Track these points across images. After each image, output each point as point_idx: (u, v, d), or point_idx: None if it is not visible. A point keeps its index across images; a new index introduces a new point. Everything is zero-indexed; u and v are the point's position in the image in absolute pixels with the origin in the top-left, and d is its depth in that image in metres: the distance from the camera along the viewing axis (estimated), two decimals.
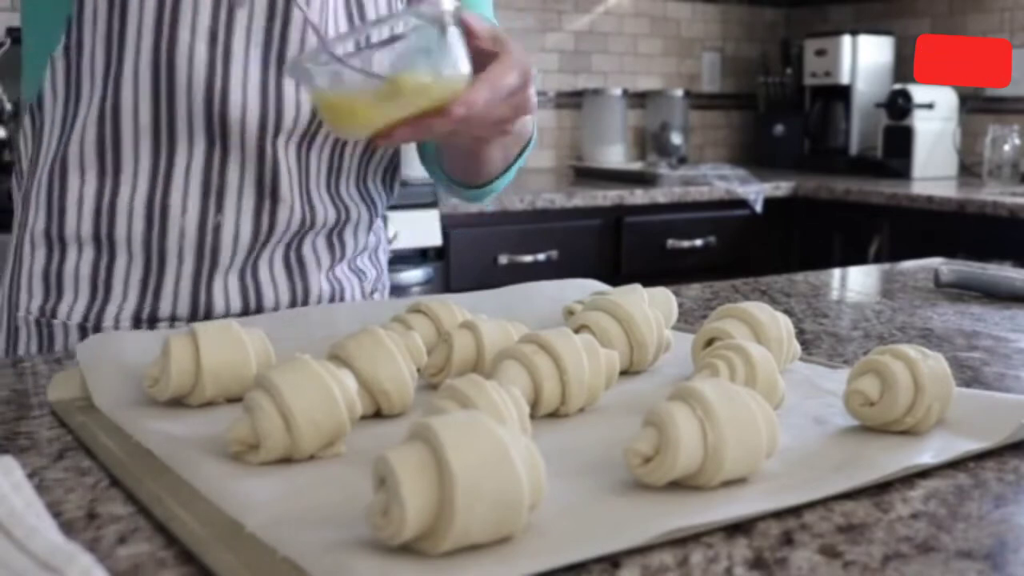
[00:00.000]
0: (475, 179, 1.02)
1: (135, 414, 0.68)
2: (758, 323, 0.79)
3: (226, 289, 0.95)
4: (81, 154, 0.91)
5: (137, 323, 0.94)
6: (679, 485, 0.56)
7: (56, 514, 0.53)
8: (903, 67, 3.37)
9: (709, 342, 0.79)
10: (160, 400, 0.70)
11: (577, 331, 0.79)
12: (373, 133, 0.78)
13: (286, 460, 0.60)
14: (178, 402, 0.71)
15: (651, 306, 0.83)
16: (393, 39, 0.80)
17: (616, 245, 2.68)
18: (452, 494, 0.46)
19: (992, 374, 0.84)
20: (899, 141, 3.15)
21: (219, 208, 0.92)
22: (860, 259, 2.65)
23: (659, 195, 2.73)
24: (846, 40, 3.30)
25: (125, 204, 0.91)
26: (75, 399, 0.73)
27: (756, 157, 3.65)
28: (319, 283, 1.00)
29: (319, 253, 0.99)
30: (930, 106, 3.11)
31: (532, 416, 0.65)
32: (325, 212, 0.97)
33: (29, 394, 0.76)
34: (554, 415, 0.70)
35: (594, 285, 1.02)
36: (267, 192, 0.93)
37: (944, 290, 1.20)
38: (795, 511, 0.54)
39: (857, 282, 1.36)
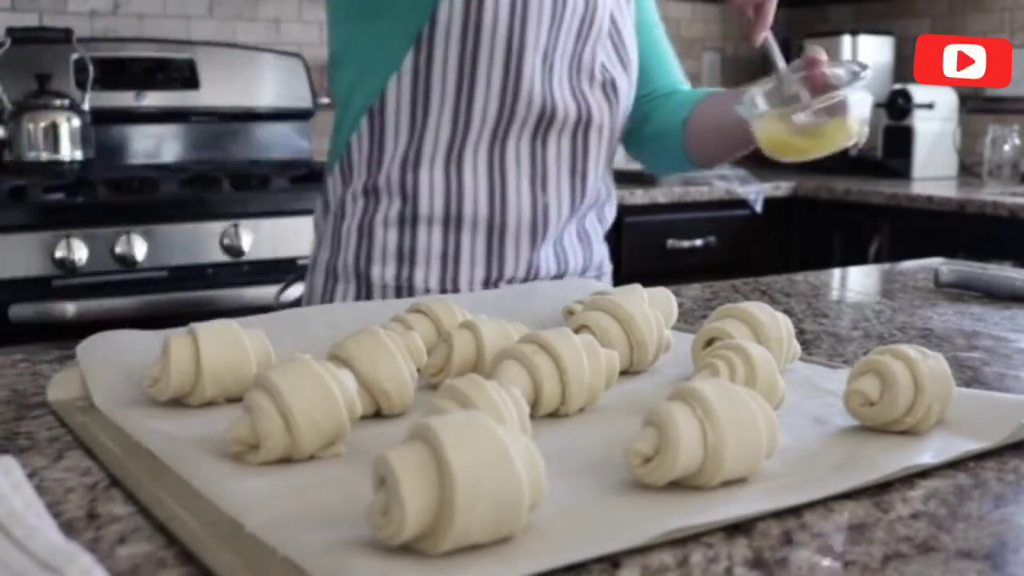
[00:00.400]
0: (710, 164, 1.27)
1: (135, 414, 0.68)
2: (758, 323, 0.79)
3: (547, 255, 1.15)
4: (434, 150, 1.09)
5: (486, 285, 1.13)
6: (679, 485, 0.56)
7: (56, 514, 0.53)
8: (903, 67, 3.37)
9: (709, 342, 0.79)
10: (160, 400, 0.70)
11: (577, 331, 0.79)
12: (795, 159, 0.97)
13: (286, 460, 0.60)
14: (178, 402, 0.71)
15: (651, 306, 0.83)
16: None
17: (616, 245, 2.68)
18: (452, 494, 0.46)
19: (992, 374, 0.84)
20: (899, 141, 3.14)
21: (544, 190, 1.13)
22: (860, 259, 2.64)
23: (659, 195, 2.72)
24: (846, 40, 3.30)
25: (470, 190, 1.10)
26: (75, 399, 0.73)
27: (756, 157, 3.64)
28: (601, 251, 1.25)
29: (594, 226, 1.23)
30: (930, 106, 3.10)
31: (532, 416, 0.65)
32: (597, 191, 1.20)
33: (29, 394, 0.76)
34: (554, 415, 0.70)
35: (594, 285, 1.02)
36: (578, 175, 1.16)
37: (944, 290, 1.20)
38: (795, 511, 0.54)
39: (857, 282, 1.35)
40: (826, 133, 0.93)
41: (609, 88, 1.15)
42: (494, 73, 1.05)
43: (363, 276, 1.13)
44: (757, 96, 0.97)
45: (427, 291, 1.11)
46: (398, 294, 1.11)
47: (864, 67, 0.92)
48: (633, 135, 1.28)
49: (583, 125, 1.13)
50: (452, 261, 1.12)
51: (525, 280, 1.14)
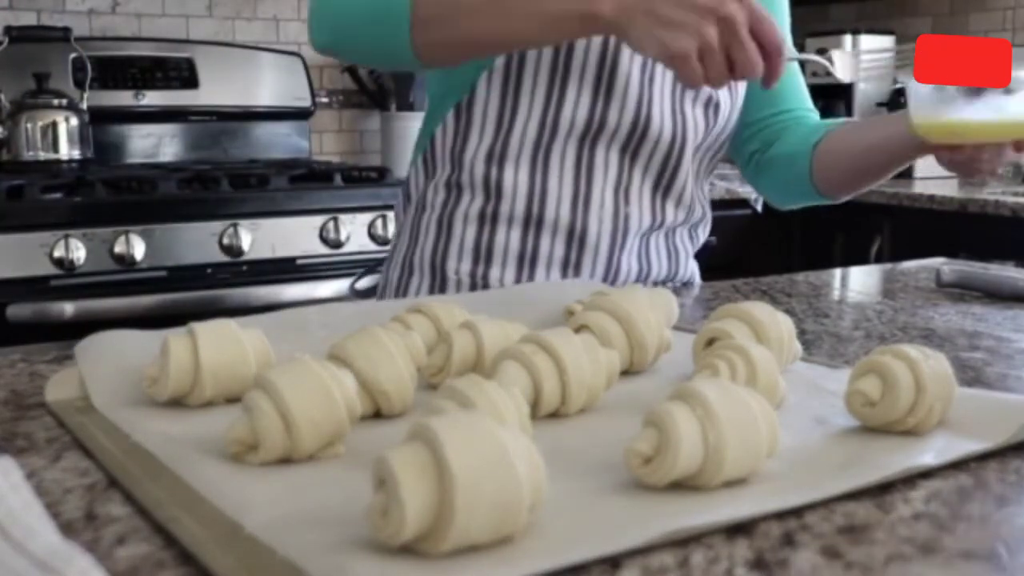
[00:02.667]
0: (840, 196, 1.21)
1: (134, 414, 0.68)
2: (759, 323, 0.78)
3: (628, 261, 1.14)
4: (520, 149, 1.08)
5: None
6: (679, 485, 0.56)
7: (55, 515, 0.53)
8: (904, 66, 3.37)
9: (709, 342, 0.79)
10: (159, 400, 0.70)
11: (577, 331, 0.79)
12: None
13: (285, 460, 0.60)
14: (177, 402, 0.70)
15: (651, 306, 0.83)
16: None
17: None
18: (452, 495, 0.46)
19: (994, 374, 0.84)
20: None
21: (627, 201, 1.12)
22: (861, 259, 2.64)
23: None
24: (847, 39, 3.29)
25: (554, 193, 1.09)
26: (73, 399, 0.73)
27: None
28: (691, 267, 1.23)
29: (684, 243, 1.22)
30: None
31: (532, 416, 0.64)
32: (688, 209, 1.19)
33: (27, 394, 0.76)
34: (554, 415, 0.70)
35: (594, 285, 1.01)
36: (663, 191, 1.14)
37: (946, 290, 1.20)
38: (796, 512, 0.54)
39: (858, 282, 1.35)
40: (984, 125, 0.90)
41: (711, 108, 1.12)
42: (586, 76, 1.05)
43: (439, 270, 1.12)
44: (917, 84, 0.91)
45: (500, 283, 1.12)
46: (472, 291, 1.09)
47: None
48: (755, 156, 1.24)
49: (678, 142, 1.11)
50: (529, 262, 1.11)
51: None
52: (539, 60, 1.04)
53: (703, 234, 1.23)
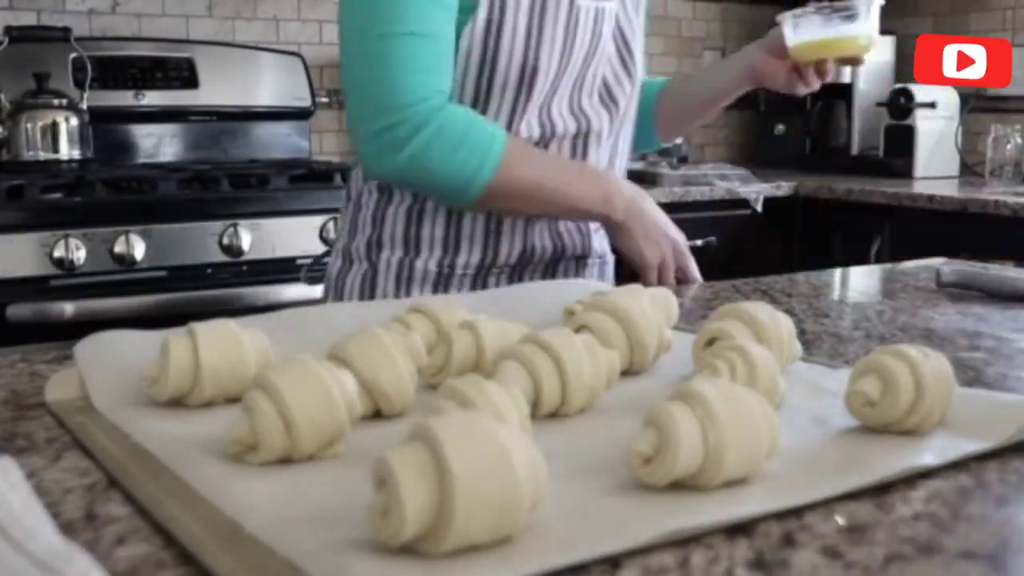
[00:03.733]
0: (674, 136, 1.48)
1: (134, 414, 0.68)
2: (759, 323, 0.78)
3: (541, 239, 1.25)
4: None
5: (480, 268, 1.24)
6: (680, 485, 0.56)
7: (55, 515, 0.53)
8: (904, 66, 3.37)
9: (710, 342, 0.79)
10: (159, 400, 0.70)
11: (577, 331, 0.79)
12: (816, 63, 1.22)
13: (285, 461, 0.60)
14: (177, 402, 0.70)
15: (651, 306, 0.83)
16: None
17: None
18: (452, 495, 0.46)
19: (994, 374, 0.84)
20: (901, 140, 3.14)
21: None
22: (861, 259, 2.64)
23: (660, 195, 2.72)
24: None
25: None
26: (73, 399, 0.73)
27: (757, 157, 3.65)
28: (601, 242, 1.33)
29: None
30: (932, 105, 3.10)
31: (532, 416, 0.64)
32: None
33: (27, 394, 0.76)
34: (554, 415, 0.70)
35: (594, 285, 1.01)
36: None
37: (946, 290, 1.20)
38: (796, 512, 0.54)
39: (858, 282, 1.35)
40: (845, 39, 1.20)
41: (608, 99, 1.27)
42: (505, 100, 1.17)
43: (373, 260, 1.25)
44: (795, 17, 1.21)
45: (425, 272, 1.23)
46: (399, 272, 1.23)
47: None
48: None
49: (582, 135, 1.25)
50: (452, 246, 1.23)
51: (519, 263, 1.25)
52: (463, 84, 1.16)
53: None
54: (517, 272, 1.26)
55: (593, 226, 1.31)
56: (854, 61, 1.25)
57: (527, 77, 1.15)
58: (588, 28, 1.20)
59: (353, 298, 1.26)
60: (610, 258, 1.37)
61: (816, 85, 1.25)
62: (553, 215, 1.22)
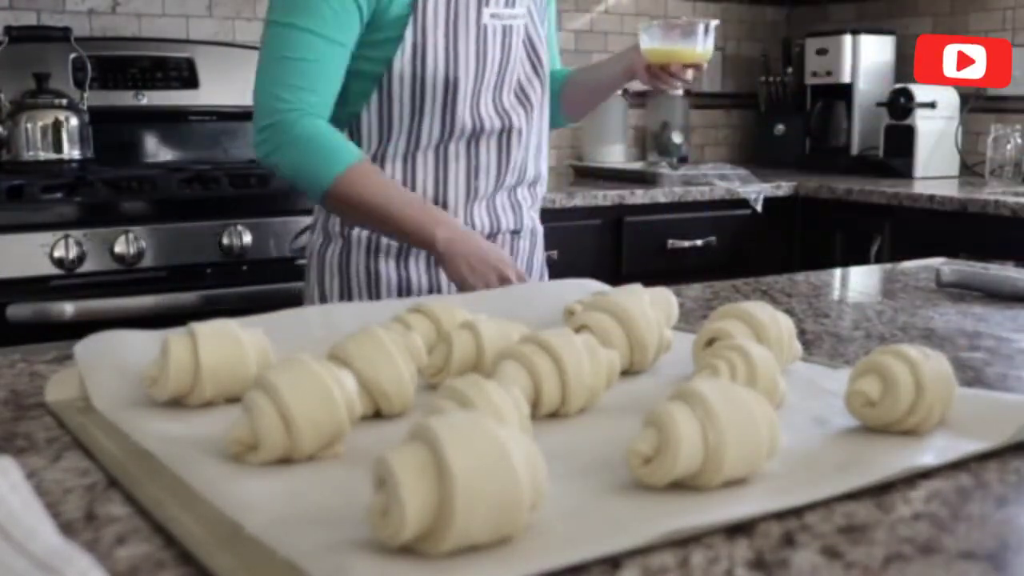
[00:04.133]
0: (579, 117, 1.72)
1: (134, 415, 0.68)
2: (759, 323, 0.78)
3: (480, 215, 1.46)
4: (395, 154, 1.44)
5: None
6: (680, 485, 0.56)
7: (55, 515, 0.53)
8: (904, 66, 3.36)
9: (710, 342, 0.79)
10: (159, 400, 0.70)
11: (577, 331, 0.79)
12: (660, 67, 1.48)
13: (285, 461, 0.60)
14: (177, 402, 0.70)
15: (651, 306, 0.83)
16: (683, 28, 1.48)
17: (616, 245, 2.68)
18: (452, 495, 0.46)
19: (994, 374, 0.84)
20: (901, 140, 3.14)
21: (476, 176, 1.47)
22: (861, 259, 2.64)
23: (659, 195, 2.72)
24: (847, 39, 3.29)
25: (420, 180, 1.44)
26: (74, 400, 0.73)
27: (757, 157, 3.65)
28: (533, 218, 1.56)
29: (525, 197, 1.55)
30: (932, 105, 3.10)
31: (532, 416, 0.64)
32: (522, 172, 1.54)
33: (27, 395, 0.76)
34: (554, 415, 0.70)
35: (594, 285, 1.01)
36: (502, 163, 1.48)
37: (946, 290, 1.20)
38: (796, 512, 0.54)
39: (858, 282, 1.35)
40: (683, 51, 1.48)
41: (523, 97, 1.50)
42: (435, 108, 1.39)
43: (346, 236, 1.45)
44: (647, 28, 1.50)
45: (389, 245, 1.42)
46: (368, 245, 1.43)
47: (708, 22, 1.49)
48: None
49: (505, 130, 1.47)
50: None
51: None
52: (401, 98, 1.38)
53: (540, 191, 1.58)
54: None
55: (525, 203, 1.53)
56: (695, 67, 1.50)
57: (450, 87, 1.38)
58: (497, 42, 1.43)
59: (333, 268, 1.46)
60: (540, 231, 1.58)
61: (673, 84, 1.51)
62: (385, 233, 1.39)
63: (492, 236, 1.48)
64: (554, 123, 1.70)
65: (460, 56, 1.39)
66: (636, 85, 3.29)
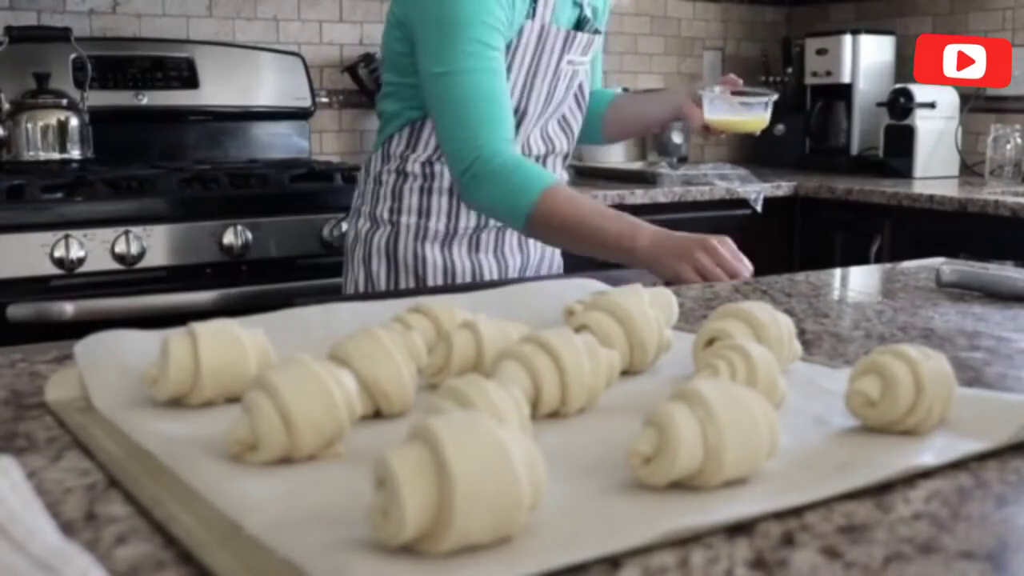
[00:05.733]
0: (619, 140, 1.96)
1: (134, 414, 0.68)
2: (759, 323, 0.78)
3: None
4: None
5: (476, 228, 1.61)
6: (680, 485, 0.56)
7: (55, 515, 0.53)
8: (904, 66, 3.37)
9: (709, 342, 0.79)
10: (159, 400, 0.70)
11: (577, 331, 0.79)
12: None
13: (285, 460, 0.60)
14: (177, 402, 0.70)
15: (651, 306, 0.83)
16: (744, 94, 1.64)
17: None
18: (452, 495, 0.46)
19: (994, 374, 0.84)
20: (900, 140, 3.14)
21: None
22: (861, 259, 2.64)
23: (659, 195, 2.72)
24: (847, 39, 3.29)
25: None
26: (74, 399, 0.73)
27: (757, 156, 3.65)
28: None
29: None
30: (931, 105, 3.10)
31: (532, 416, 0.64)
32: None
33: (27, 394, 0.76)
34: (554, 415, 0.70)
35: (594, 285, 1.01)
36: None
37: (946, 290, 1.20)
38: (796, 512, 0.54)
39: (858, 282, 1.35)
40: (744, 122, 1.62)
41: (566, 125, 1.67)
42: None
43: (394, 223, 1.59)
44: (711, 97, 1.62)
45: (436, 231, 1.57)
46: (416, 232, 1.57)
47: (770, 94, 1.64)
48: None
49: (551, 155, 1.65)
50: (455, 212, 1.58)
51: (504, 226, 1.59)
52: None
53: (565, 173, 1.72)
54: (502, 230, 1.62)
55: None
56: (750, 134, 1.70)
57: (518, 117, 1.53)
58: (564, 83, 1.59)
59: (380, 253, 1.59)
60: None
61: (712, 136, 1.69)
62: (589, 251, 1.45)
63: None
64: (593, 140, 1.84)
65: (535, 91, 1.55)
66: (640, 83, 3.29)
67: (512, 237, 1.63)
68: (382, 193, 1.62)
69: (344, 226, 2.17)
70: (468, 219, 1.59)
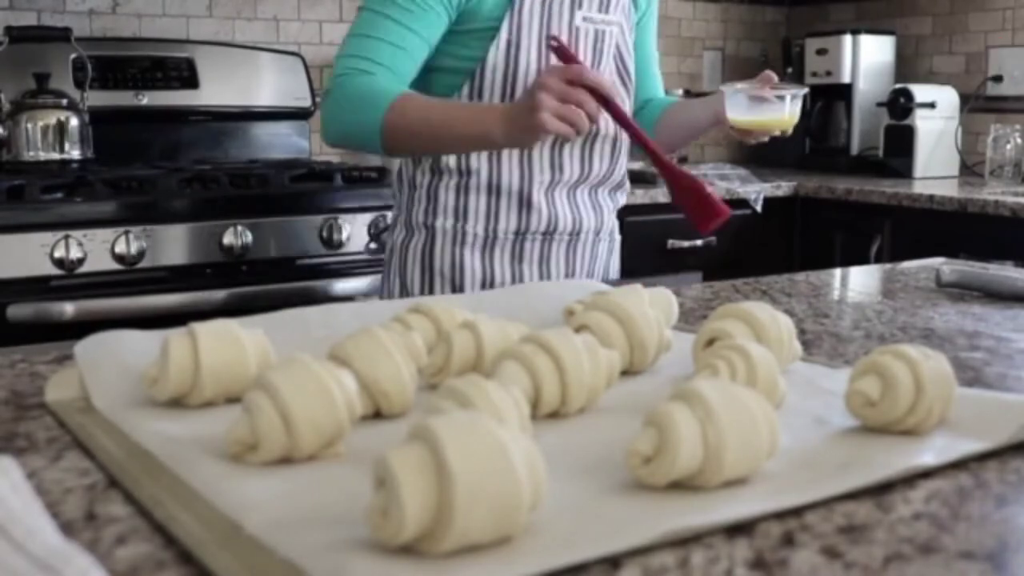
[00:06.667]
0: (673, 150, 1.82)
1: (134, 414, 0.68)
2: (759, 323, 0.78)
3: (563, 210, 1.51)
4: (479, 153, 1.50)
5: (517, 233, 1.50)
6: (680, 485, 0.56)
7: (55, 515, 0.53)
8: (904, 66, 3.36)
9: (709, 342, 0.79)
10: (159, 400, 0.70)
11: (577, 331, 0.79)
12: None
13: (285, 460, 0.60)
14: (177, 402, 0.70)
15: (651, 306, 0.83)
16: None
17: None
18: (452, 495, 0.46)
19: (994, 374, 0.84)
20: (900, 140, 3.14)
21: (561, 172, 1.52)
22: (861, 259, 2.64)
23: (659, 195, 2.72)
24: (847, 39, 3.29)
25: (506, 172, 1.48)
26: (74, 399, 0.73)
27: (757, 156, 3.65)
28: (612, 221, 1.64)
29: (606, 200, 1.62)
30: (931, 105, 3.10)
31: (532, 416, 0.64)
32: (604, 172, 1.59)
33: (27, 394, 0.76)
34: (554, 415, 0.70)
35: (594, 285, 1.01)
36: (585, 161, 1.53)
37: (946, 290, 1.20)
38: (796, 512, 0.54)
39: (858, 282, 1.35)
40: (766, 121, 1.49)
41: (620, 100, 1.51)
42: None
43: (429, 227, 1.50)
44: (733, 88, 1.53)
45: (475, 235, 1.49)
46: (454, 236, 1.49)
47: (801, 88, 1.52)
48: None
49: (590, 136, 1.50)
50: (493, 214, 1.49)
51: (547, 231, 1.50)
52: (492, 96, 1.43)
53: (621, 198, 1.63)
54: (547, 240, 1.51)
55: (607, 206, 1.58)
56: (782, 134, 1.55)
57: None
58: (589, 45, 1.49)
59: (416, 261, 1.51)
60: (618, 238, 1.65)
61: (750, 141, 1.56)
62: (450, 146, 1.41)
63: (574, 234, 1.53)
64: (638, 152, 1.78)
65: (552, 54, 1.41)
66: None
67: (559, 247, 1.52)
68: (417, 196, 1.53)
69: (345, 227, 2.16)
70: (508, 221, 1.49)
